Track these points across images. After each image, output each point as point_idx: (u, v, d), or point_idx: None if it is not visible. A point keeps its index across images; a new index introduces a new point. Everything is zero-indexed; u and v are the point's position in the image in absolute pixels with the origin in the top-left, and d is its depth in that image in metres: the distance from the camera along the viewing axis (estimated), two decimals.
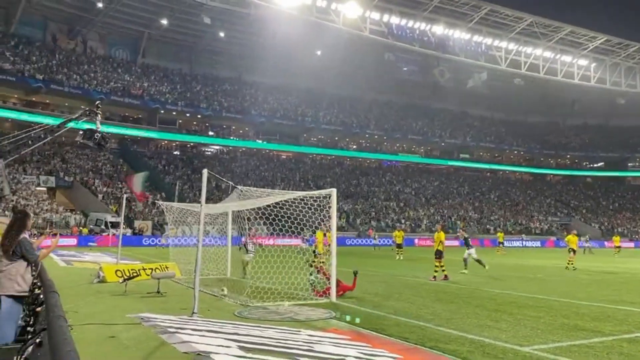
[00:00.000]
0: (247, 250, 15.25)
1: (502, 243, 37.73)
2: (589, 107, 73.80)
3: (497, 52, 60.35)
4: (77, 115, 11.17)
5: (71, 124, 11.05)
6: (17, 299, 5.74)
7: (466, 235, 19.15)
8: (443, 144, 71.46)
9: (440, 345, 6.75)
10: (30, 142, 11.64)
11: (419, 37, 56.87)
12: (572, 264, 20.56)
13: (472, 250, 17.98)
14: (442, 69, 65.57)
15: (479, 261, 17.66)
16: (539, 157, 77.60)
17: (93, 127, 10.72)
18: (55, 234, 7.56)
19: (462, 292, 12.69)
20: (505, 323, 8.49)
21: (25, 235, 6.02)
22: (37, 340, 2.99)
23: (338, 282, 11.48)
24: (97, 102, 11.74)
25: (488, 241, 51.74)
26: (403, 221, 54.48)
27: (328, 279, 11.45)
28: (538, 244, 53.59)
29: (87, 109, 11.29)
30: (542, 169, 77.25)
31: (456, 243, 48.59)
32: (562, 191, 75.04)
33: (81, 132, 11.15)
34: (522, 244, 51.44)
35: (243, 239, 15.89)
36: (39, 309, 4.30)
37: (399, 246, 27.28)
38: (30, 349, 3.04)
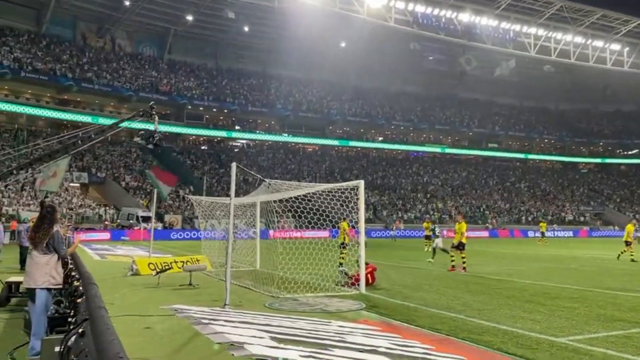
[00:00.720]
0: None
1: (544, 233, 37.32)
2: (622, 93, 71.61)
3: (525, 39, 58.98)
4: (131, 115, 11.45)
5: (125, 124, 11.36)
6: (50, 291, 5.93)
7: (432, 227, 19.91)
8: (471, 133, 70.42)
9: (472, 336, 6.70)
10: (79, 141, 11.95)
11: (445, 25, 56.00)
12: (622, 253, 20.35)
13: (439, 240, 19.40)
14: (469, 58, 64.44)
15: (444, 250, 18.16)
16: (570, 145, 75.72)
17: (149, 127, 10.99)
18: (75, 228, 7.85)
19: (493, 283, 12.55)
20: (539, 314, 8.37)
21: (57, 228, 6.20)
22: (80, 330, 3.08)
23: (366, 263, 11.60)
24: (152, 102, 11.98)
25: (518, 231, 51.01)
26: (431, 212, 54.05)
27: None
28: (570, 234, 52.52)
29: (141, 110, 11.56)
30: (574, 157, 75.34)
31: (486, 234, 48.22)
32: (595, 180, 73.18)
33: (141, 132, 11.53)
34: (554, 234, 50.44)
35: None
36: (79, 300, 4.43)
37: (427, 237, 27.14)
38: (73, 338, 3.14)
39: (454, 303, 9.48)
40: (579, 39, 60.07)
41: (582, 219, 61.27)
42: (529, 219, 58.39)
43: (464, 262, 15.27)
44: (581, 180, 72.40)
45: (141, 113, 11.56)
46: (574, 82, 69.20)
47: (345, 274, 12.30)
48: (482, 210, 58.48)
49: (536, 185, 68.35)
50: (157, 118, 11.62)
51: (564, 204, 64.35)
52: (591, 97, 75.44)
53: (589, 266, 17.99)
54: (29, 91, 47.99)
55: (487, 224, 53.53)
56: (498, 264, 18.21)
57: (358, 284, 11.11)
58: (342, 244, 16.04)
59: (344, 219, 15.98)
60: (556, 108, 78.91)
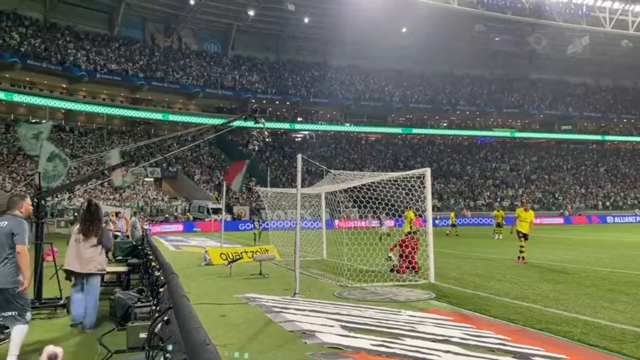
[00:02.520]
0: (254, 227, 23.96)
1: None
2: None
3: (600, 13, 55.45)
4: (237, 116, 11.95)
5: (236, 123, 11.88)
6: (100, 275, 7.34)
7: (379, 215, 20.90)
8: (542, 116, 67.23)
9: (550, 327, 6.45)
10: (175, 144, 12.58)
11: (512, 4, 53.66)
12: None
13: (384, 227, 20.74)
14: (539, 36, 61.34)
15: (384, 235, 18.91)
16: None
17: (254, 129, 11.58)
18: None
19: (570, 272, 12.01)
20: (622, 304, 7.93)
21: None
22: (165, 318, 3.24)
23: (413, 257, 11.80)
24: (254, 106, 12.44)
25: (596, 218, 48.40)
26: (499, 200, 52.34)
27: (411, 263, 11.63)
28: None
29: (243, 114, 12.03)
30: None
31: (561, 221, 46.13)
32: None
33: (258, 143, 12.06)
34: (636, 219, 47.51)
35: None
36: (161, 289, 4.68)
37: (498, 225, 26.43)
38: (159, 326, 3.31)
39: (528, 292, 9.16)
40: None
41: None
42: (607, 204, 55.26)
43: (521, 252, 14.31)
44: None
45: (244, 117, 12.00)
46: None
47: (389, 258, 12.43)
48: (555, 196, 55.91)
49: (615, 168, 64.45)
50: (263, 121, 11.95)
51: None
52: None
53: None
54: (105, 92, 50.74)
55: (562, 211, 51.15)
56: (575, 252, 17.39)
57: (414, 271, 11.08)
58: (408, 232, 15.84)
59: (410, 207, 15.83)
60: (635, 85, 73.72)
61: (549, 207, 52.87)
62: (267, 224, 22.94)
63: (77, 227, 7.11)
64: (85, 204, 7.55)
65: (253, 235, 22.92)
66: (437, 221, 30.85)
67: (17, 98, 43.18)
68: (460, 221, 43.14)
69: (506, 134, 66.20)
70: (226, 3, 54.01)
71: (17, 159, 38.65)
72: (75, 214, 33.16)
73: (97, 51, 49.89)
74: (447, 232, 29.58)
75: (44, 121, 38.97)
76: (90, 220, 6.95)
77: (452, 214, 33.18)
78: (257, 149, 12.57)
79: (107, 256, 7.30)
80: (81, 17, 51.59)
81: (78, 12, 51.28)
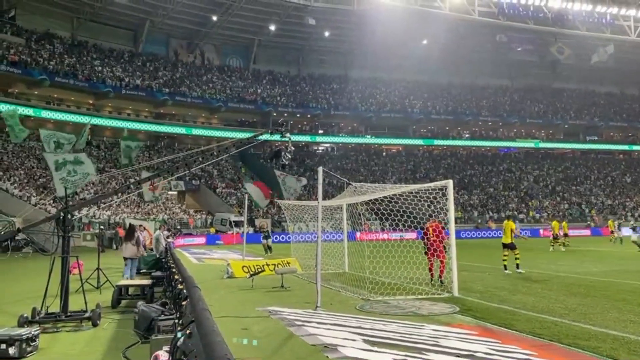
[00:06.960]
0: (267, 237, 25.11)
1: None
2: None
3: (624, 22, 54.67)
4: (263, 130, 12.29)
5: (264, 137, 12.14)
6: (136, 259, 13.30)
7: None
8: (566, 126, 66.12)
9: (578, 342, 6.30)
10: (200, 159, 12.88)
11: (534, 13, 53.24)
12: None
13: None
14: (561, 46, 60.69)
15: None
16: None
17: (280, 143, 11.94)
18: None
19: (598, 285, 11.71)
20: None
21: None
22: (187, 332, 3.26)
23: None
24: (281, 120, 12.71)
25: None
26: (525, 211, 51.49)
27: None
28: None
29: (269, 129, 12.29)
30: None
31: (588, 233, 45.10)
32: None
33: (289, 156, 12.28)
34: None
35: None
36: (183, 302, 4.71)
37: (555, 237, 25.36)
38: (181, 339, 3.33)
39: (555, 306, 8.96)
40: None
41: None
42: (636, 215, 53.87)
43: None
44: None
45: (271, 131, 12.24)
46: None
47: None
48: (582, 207, 54.79)
49: None
50: (289, 136, 12.15)
51: None
52: None
53: None
54: (130, 107, 51.70)
55: (589, 222, 50.09)
56: (603, 264, 16.97)
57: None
58: (510, 244, 15.08)
59: (508, 217, 15.90)
60: None
61: (576, 218, 51.81)
62: (284, 236, 23.21)
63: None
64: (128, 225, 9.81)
65: (263, 247, 24.80)
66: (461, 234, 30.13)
67: (45, 114, 44.21)
68: (485, 234, 42.66)
69: (530, 144, 65.22)
70: (248, 19, 54.78)
71: (46, 173, 39.48)
72: (101, 227, 33.74)
73: (123, 67, 50.97)
74: (563, 243, 25.65)
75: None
76: (130, 234, 13.21)
77: (555, 223, 26.02)
78: (287, 163, 12.66)
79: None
80: (107, 34, 52.90)
81: (105, 30, 52.60)
